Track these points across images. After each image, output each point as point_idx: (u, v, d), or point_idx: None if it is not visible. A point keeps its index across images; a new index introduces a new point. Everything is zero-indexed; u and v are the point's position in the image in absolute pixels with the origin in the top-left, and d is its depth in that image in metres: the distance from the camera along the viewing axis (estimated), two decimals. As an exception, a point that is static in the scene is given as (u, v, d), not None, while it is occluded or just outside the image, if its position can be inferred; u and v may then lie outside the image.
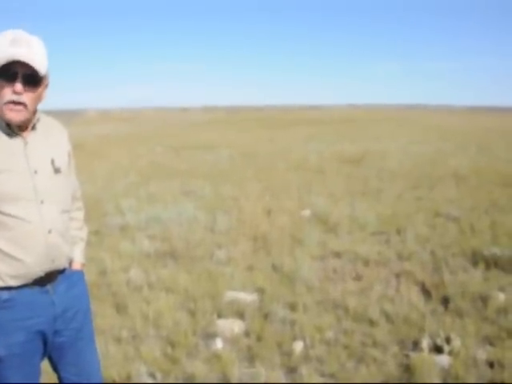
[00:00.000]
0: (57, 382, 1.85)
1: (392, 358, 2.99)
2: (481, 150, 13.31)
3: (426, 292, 3.89)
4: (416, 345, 3.10)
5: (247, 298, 3.81)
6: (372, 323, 3.41)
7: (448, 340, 3.05)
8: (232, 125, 29.18)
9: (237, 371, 2.90)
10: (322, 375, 2.88)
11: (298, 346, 3.13)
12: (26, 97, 1.56)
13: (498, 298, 3.67)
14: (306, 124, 28.69)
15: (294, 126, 26.40)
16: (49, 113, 1.78)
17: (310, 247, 5.06)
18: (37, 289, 1.64)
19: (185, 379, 2.85)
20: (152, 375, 2.89)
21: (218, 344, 3.19)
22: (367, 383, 2.77)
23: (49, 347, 1.72)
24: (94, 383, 1.86)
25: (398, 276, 4.25)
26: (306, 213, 6.54)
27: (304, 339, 3.20)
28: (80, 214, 1.94)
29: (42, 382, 1.79)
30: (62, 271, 1.72)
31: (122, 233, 5.78)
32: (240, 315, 3.56)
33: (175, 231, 5.68)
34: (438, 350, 3.03)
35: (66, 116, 27.54)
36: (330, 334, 3.28)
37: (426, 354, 2.97)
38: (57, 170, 1.68)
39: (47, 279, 1.66)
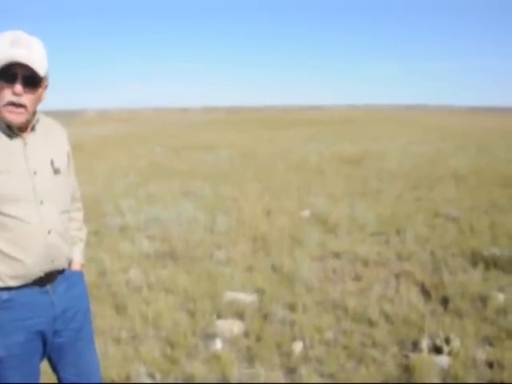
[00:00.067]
0: (56, 382, 1.85)
1: (391, 359, 2.99)
2: (481, 151, 13.32)
3: (425, 292, 3.90)
4: (415, 345, 3.11)
5: (247, 298, 3.81)
6: (371, 323, 3.41)
7: (447, 340, 3.06)
8: (232, 125, 29.19)
9: (236, 371, 2.90)
10: (322, 375, 2.88)
11: (298, 347, 3.13)
12: (26, 98, 1.56)
13: (498, 299, 3.67)
14: (306, 124, 28.70)
15: (294, 127, 26.42)
16: (48, 113, 1.79)
17: (310, 248, 5.06)
18: (36, 289, 1.65)
19: (184, 379, 2.85)
20: (151, 376, 2.89)
21: (218, 344, 3.19)
22: (367, 383, 2.78)
23: (48, 347, 1.72)
24: (93, 383, 1.86)
25: (397, 276, 4.25)
26: (306, 213, 6.54)
27: (303, 339, 3.21)
28: (79, 215, 1.94)
29: (41, 382, 1.79)
30: (61, 272, 1.72)
31: (122, 233, 5.78)
32: (239, 316, 3.56)
33: (175, 232, 5.68)
34: (437, 350, 3.03)
35: (65, 116, 27.55)
36: (329, 335, 3.28)
37: (425, 354, 2.97)
38: (56, 171, 1.69)
39: (47, 280, 1.66)
